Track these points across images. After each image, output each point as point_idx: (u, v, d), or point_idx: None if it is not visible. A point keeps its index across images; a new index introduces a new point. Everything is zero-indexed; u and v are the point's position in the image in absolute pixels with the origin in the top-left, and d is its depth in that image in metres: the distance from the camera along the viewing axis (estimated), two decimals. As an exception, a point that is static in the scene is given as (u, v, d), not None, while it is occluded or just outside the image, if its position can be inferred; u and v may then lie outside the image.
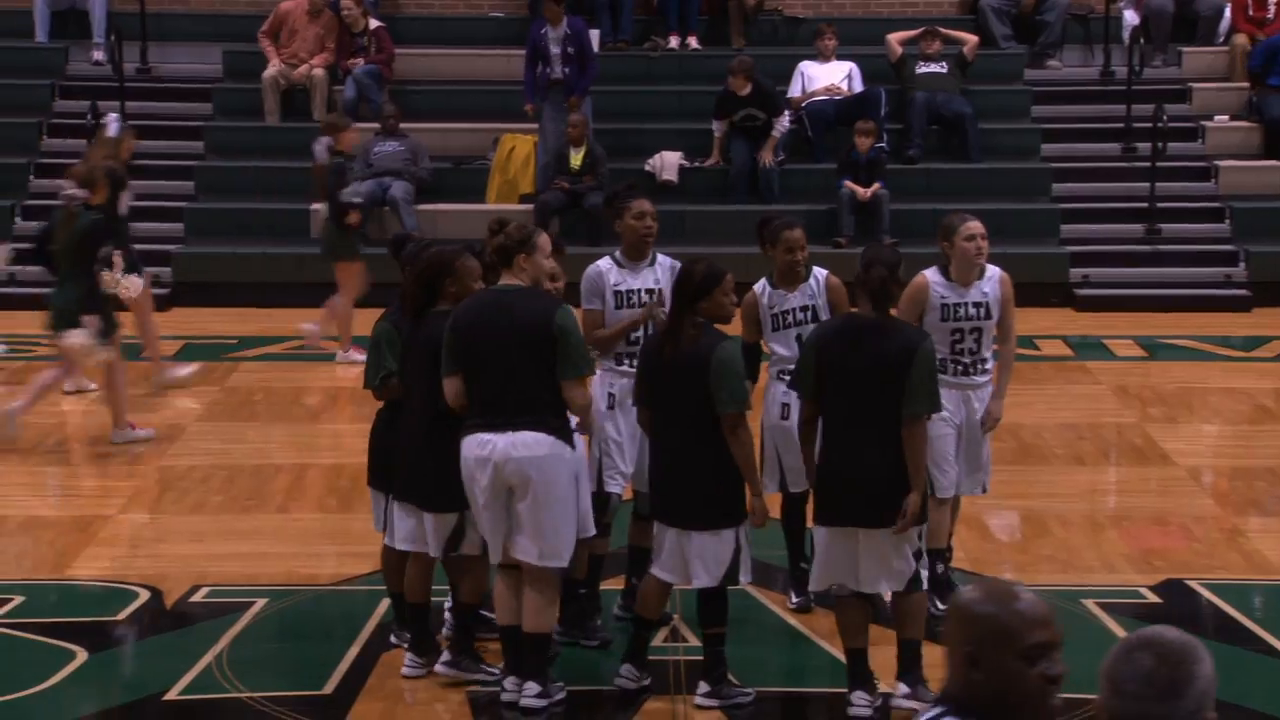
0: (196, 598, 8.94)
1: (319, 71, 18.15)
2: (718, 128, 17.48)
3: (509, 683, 7.45)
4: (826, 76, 17.92)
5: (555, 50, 17.13)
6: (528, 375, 7.23)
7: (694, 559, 7.35)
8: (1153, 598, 8.84)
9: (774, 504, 8.71)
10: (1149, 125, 17.12)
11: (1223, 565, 9.42)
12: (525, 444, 7.19)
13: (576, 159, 16.89)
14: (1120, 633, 8.28)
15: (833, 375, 7.21)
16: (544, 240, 7.60)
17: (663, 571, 7.48)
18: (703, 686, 7.51)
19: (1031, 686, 3.23)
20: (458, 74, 18.80)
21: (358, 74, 18.14)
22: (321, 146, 14.58)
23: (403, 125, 17.44)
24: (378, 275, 13.45)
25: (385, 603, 8.58)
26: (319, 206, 15.17)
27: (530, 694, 7.40)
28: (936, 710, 3.34)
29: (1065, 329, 15.52)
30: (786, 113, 17.40)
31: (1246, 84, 18.24)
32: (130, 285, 11.94)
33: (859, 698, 7.35)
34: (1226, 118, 18.19)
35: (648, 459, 7.76)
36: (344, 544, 9.83)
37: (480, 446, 7.25)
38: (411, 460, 7.63)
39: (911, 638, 7.36)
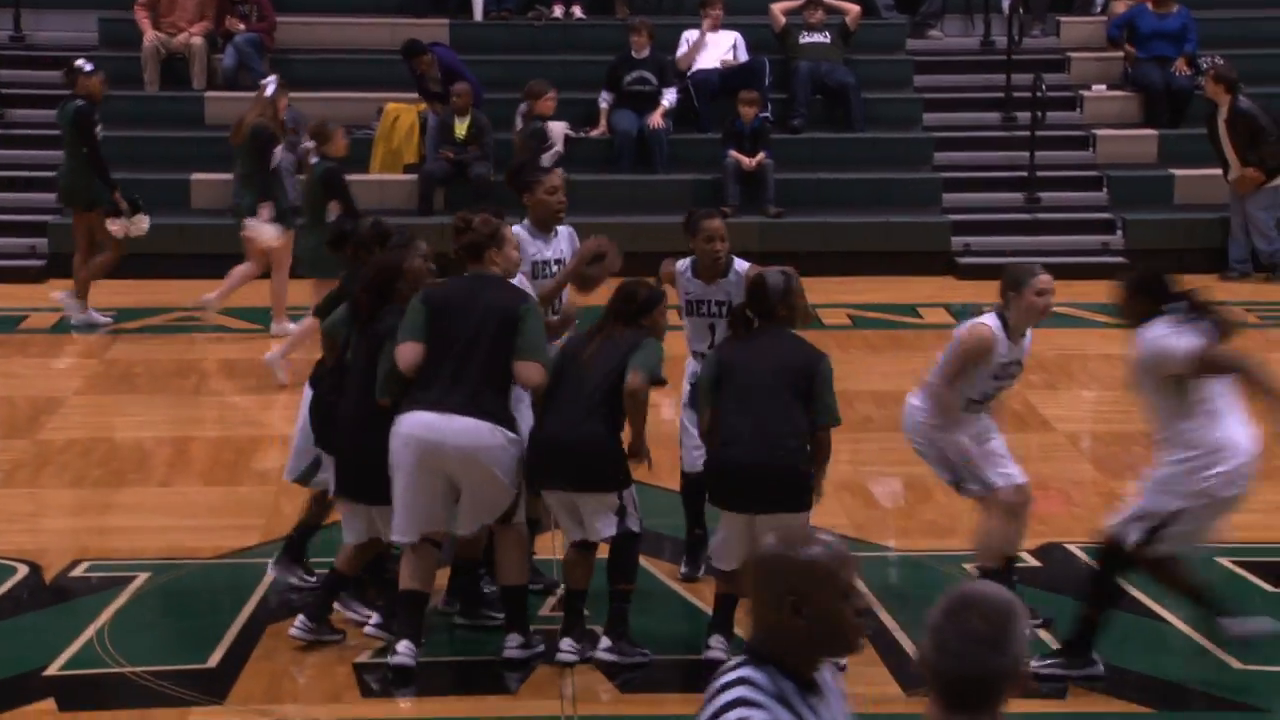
0: (76, 572, 8.83)
1: (198, 40, 17.91)
2: (605, 98, 17.45)
3: (402, 646, 7.43)
4: (712, 45, 17.93)
5: (436, 89, 17.09)
6: (487, 358, 7.34)
7: (589, 515, 7.48)
8: (1033, 561, 8.95)
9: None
10: (1028, 95, 17.29)
11: (1101, 529, 9.52)
12: (470, 432, 7.28)
13: (461, 129, 16.79)
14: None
15: (732, 381, 7.39)
16: (509, 232, 7.78)
17: (573, 534, 7.58)
18: (604, 641, 7.57)
19: (850, 623, 3.37)
20: (340, 42, 18.62)
21: (238, 42, 17.93)
22: (519, 114, 15.00)
23: (284, 94, 17.24)
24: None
25: (271, 575, 8.52)
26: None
27: (513, 645, 7.55)
28: (737, 661, 3.44)
29: (947, 297, 15.65)
30: (674, 87, 17.42)
31: (1122, 54, 18.48)
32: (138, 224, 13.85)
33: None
34: (1104, 87, 18.40)
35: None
36: (228, 517, 9.75)
37: (424, 427, 7.29)
38: (353, 456, 7.57)
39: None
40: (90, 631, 7.97)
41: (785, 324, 7.55)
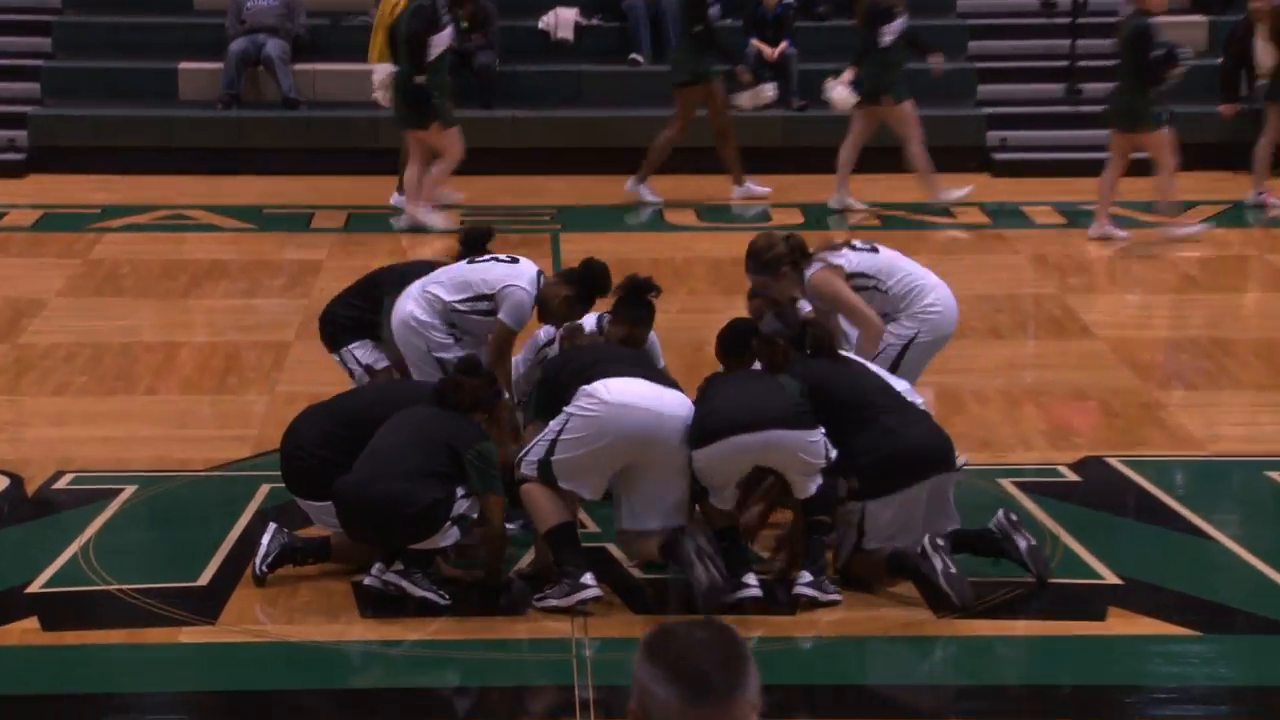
0: (60, 484, 8.82)
1: (185, -81, 17.74)
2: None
3: (589, 578, 7.34)
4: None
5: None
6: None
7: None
8: (1071, 476, 8.90)
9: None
10: (1070, -21, 17.10)
11: (1143, 441, 9.50)
12: (687, 406, 7.49)
13: (464, 16, 16.62)
14: (1038, 513, 8.35)
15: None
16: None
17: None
18: (804, 576, 7.45)
19: None
20: (336, -77, 18.44)
21: (228, -77, 17.76)
22: (1128, 7, 15.22)
23: (277, -22, 17.10)
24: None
25: (264, 489, 8.51)
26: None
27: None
28: None
29: (981, 195, 15.52)
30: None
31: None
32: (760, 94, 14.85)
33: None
34: (1151, -29, 18.17)
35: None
36: (218, 427, 9.74)
37: (640, 397, 7.41)
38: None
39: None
40: (75, 547, 7.96)
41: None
